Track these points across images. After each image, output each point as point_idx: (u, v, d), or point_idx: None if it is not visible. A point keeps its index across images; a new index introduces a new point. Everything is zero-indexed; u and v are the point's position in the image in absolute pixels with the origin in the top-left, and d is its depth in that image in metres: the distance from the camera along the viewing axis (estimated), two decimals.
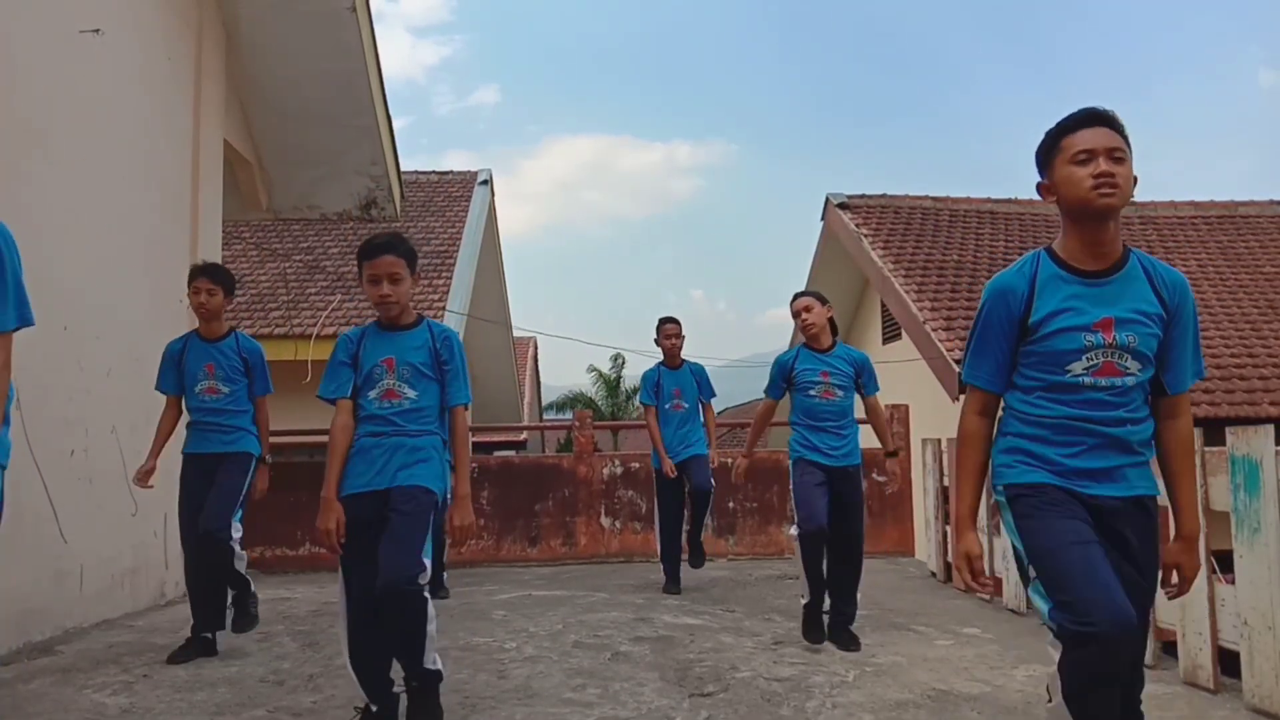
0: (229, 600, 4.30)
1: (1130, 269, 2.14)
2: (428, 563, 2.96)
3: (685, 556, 6.25)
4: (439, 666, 3.07)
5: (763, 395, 4.75)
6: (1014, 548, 2.20)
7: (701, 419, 6.20)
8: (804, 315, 4.54)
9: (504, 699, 3.51)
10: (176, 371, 4.33)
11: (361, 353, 3.11)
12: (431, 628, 2.96)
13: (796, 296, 4.65)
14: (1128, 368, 2.10)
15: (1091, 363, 2.09)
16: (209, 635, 4.24)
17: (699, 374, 6.21)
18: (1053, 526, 2.08)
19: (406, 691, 3.06)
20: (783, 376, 4.58)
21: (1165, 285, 2.15)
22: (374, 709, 3.03)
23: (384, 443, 3.03)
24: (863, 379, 4.54)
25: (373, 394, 3.06)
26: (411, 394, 3.05)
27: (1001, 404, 2.27)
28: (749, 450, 5.14)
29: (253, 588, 4.34)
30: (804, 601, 4.42)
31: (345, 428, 3.07)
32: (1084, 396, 2.10)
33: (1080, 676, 1.98)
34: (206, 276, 4.30)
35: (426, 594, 2.94)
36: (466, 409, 3.22)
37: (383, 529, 2.94)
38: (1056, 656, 2.04)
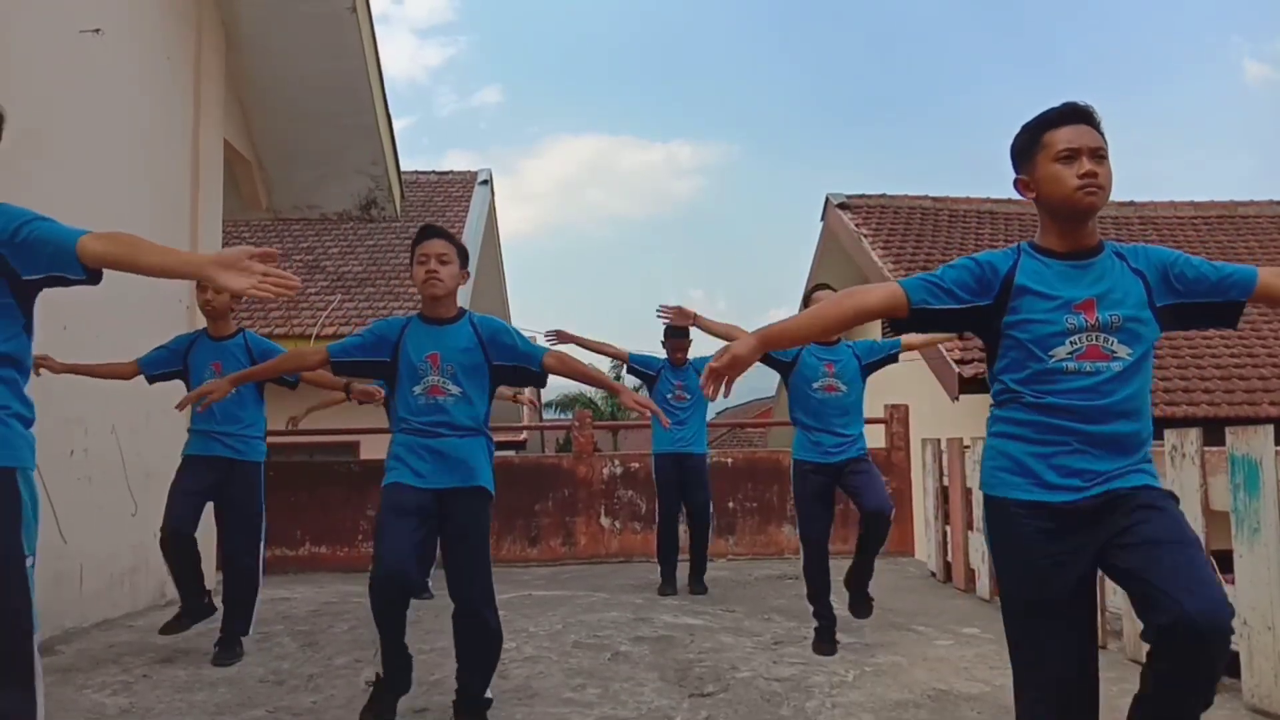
0: (235, 620, 4.23)
1: (1106, 255, 2.14)
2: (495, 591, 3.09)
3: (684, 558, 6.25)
4: (492, 696, 3.17)
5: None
6: (985, 545, 2.21)
7: (704, 417, 6.23)
8: None
9: (504, 699, 3.50)
10: (168, 359, 4.26)
11: (404, 345, 3.08)
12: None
13: (818, 288, 4.55)
14: (1113, 350, 2.04)
15: (1075, 347, 2.04)
16: (204, 602, 4.27)
17: (700, 366, 6.17)
18: (1021, 588, 2.10)
19: (455, 705, 3.13)
20: (784, 355, 4.40)
21: (1137, 257, 2.14)
22: (385, 678, 3.08)
23: (431, 444, 3.02)
24: (875, 351, 4.44)
25: (417, 389, 3.04)
26: (455, 390, 3.04)
27: (988, 410, 2.23)
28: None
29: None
30: (815, 625, 4.36)
31: (305, 354, 3.26)
32: (1067, 384, 2.03)
33: None
34: None
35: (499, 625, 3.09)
36: (549, 355, 3.18)
37: (429, 524, 2.99)
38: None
